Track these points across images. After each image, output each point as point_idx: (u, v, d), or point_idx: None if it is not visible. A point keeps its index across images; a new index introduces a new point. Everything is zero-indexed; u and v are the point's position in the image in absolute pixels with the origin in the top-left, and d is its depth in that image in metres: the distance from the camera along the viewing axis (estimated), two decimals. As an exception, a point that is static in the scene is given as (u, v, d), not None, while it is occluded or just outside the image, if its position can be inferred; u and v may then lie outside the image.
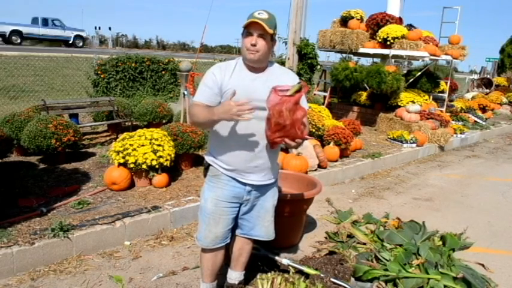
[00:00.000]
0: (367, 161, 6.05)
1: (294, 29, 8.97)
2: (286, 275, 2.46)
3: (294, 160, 4.92)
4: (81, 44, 26.80)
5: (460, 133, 8.68)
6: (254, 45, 2.05)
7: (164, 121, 6.66)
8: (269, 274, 2.42)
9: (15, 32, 23.54)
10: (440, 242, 3.02)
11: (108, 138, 6.40)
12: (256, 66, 2.15)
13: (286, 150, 5.17)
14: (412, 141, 7.20)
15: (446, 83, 10.28)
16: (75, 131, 4.92)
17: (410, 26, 9.51)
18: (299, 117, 1.93)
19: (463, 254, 3.03)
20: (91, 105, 6.55)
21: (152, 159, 4.05)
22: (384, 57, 9.39)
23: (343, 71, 8.65)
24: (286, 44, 9.30)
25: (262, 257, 2.95)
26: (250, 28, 2.05)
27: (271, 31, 2.05)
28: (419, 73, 9.77)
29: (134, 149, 4.06)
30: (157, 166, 4.11)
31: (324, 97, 10.37)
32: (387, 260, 2.78)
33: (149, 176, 4.19)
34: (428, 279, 2.58)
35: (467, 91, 16.13)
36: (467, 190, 5.55)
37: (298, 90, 1.92)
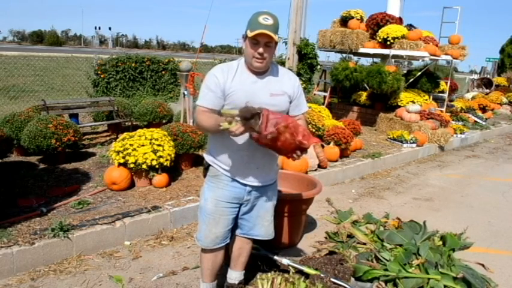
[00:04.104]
0: (367, 161, 6.05)
1: (294, 29, 8.98)
2: (286, 275, 2.45)
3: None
4: None
5: (460, 133, 8.68)
6: (262, 54, 2.04)
7: (164, 121, 6.66)
8: (269, 274, 2.42)
9: None
10: (440, 242, 3.01)
11: (108, 138, 6.41)
12: (259, 70, 2.15)
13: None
14: (412, 141, 7.20)
15: (446, 83, 10.29)
16: (75, 131, 4.92)
17: (410, 26, 9.50)
18: (274, 117, 1.85)
19: (463, 254, 3.02)
20: (91, 105, 6.56)
21: (152, 159, 4.05)
22: (384, 57, 9.39)
23: (343, 71, 8.65)
24: (286, 44, 9.30)
25: (262, 257, 2.95)
26: (257, 37, 2.01)
27: (277, 38, 2.04)
28: (419, 73, 9.77)
29: (134, 149, 4.06)
30: (157, 166, 4.11)
31: (324, 97, 10.37)
32: (387, 260, 2.77)
33: (149, 176, 4.19)
34: (428, 279, 2.58)
35: (467, 91, 16.13)
36: (467, 190, 5.55)
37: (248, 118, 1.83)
